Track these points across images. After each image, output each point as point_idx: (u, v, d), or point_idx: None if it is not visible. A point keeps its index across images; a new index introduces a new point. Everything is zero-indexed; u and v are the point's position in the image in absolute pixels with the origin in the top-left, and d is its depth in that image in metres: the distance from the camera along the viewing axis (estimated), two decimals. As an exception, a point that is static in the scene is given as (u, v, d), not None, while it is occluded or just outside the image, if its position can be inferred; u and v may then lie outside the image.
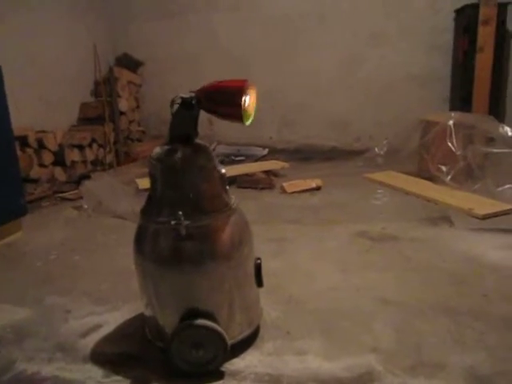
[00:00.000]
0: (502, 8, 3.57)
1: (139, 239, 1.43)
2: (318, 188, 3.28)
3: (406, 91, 4.24)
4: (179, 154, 1.37)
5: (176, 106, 1.38)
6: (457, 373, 1.31)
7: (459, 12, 3.85)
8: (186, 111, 1.40)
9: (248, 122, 1.38)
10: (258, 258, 1.50)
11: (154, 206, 1.41)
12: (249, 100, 1.35)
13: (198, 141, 1.44)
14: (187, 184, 1.37)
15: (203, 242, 1.35)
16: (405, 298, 1.75)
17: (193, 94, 1.39)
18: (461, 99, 3.75)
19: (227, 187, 1.47)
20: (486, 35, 3.61)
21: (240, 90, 1.32)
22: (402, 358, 1.39)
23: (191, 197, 1.35)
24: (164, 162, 1.39)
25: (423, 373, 1.32)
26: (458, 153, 3.06)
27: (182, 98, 1.39)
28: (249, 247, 1.46)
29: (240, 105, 1.32)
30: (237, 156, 4.40)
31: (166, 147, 1.41)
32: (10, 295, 1.94)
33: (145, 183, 3.09)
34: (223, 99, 1.38)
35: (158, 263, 1.37)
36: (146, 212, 1.43)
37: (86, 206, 3.02)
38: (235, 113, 1.34)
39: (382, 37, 4.23)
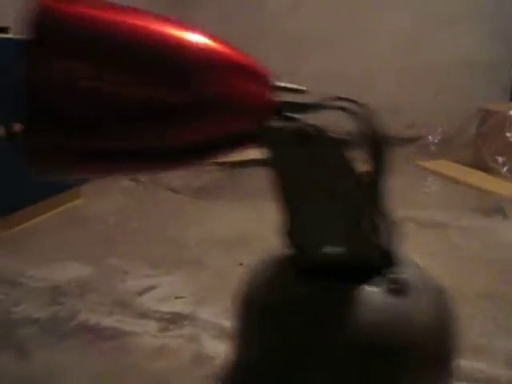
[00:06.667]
0: None
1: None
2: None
3: (465, 78, 4.10)
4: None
5: None
6: (499, 355, 1.33)
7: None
8: None
9: None
10: None
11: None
12: None
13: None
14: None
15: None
16: (450, 283, 1.74)
17: None
18: (524, 89, 3.61)
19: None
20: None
21: None
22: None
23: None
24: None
25: (467, 355, 1.34)
26: (517, 144, 2.97)
27: None
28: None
29: None
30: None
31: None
32: (75, 253, 2.09)
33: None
34: None
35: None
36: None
37: (142, 179, 3.17)
38: None
39: (443, 21, 4.10)
